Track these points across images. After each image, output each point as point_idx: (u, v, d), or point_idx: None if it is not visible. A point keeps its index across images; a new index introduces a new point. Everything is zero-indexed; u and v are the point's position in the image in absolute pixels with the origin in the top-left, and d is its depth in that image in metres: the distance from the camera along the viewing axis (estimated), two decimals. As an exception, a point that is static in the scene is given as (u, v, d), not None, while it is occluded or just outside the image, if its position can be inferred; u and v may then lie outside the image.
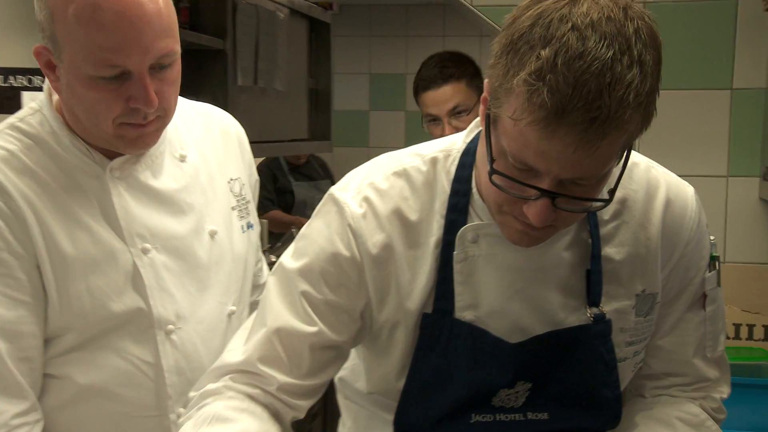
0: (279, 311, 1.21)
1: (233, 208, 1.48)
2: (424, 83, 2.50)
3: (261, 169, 4.64)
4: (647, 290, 1.23)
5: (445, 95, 2.46)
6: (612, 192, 1.07)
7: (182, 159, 1.42)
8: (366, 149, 4.79)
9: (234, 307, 1.45)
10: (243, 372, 1.21)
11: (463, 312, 1.19)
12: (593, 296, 1.20)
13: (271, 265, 1.44)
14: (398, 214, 1.20)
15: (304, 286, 1.21)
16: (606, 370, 1.23)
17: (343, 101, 4.49)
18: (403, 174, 1.22)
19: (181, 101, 1.42)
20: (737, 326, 2.67)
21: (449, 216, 1.19)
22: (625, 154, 1.07)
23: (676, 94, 2.68)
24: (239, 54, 2.75)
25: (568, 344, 1.21)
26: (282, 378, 1.20)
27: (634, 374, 1.31)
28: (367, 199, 1.21)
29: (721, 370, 1.34)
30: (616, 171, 1.08)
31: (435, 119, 2.48)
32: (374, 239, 1.19)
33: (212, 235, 1.41)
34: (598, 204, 1.08)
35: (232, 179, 1.49)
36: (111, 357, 1.32)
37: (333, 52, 3.60)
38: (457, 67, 2.48)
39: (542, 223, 1.05)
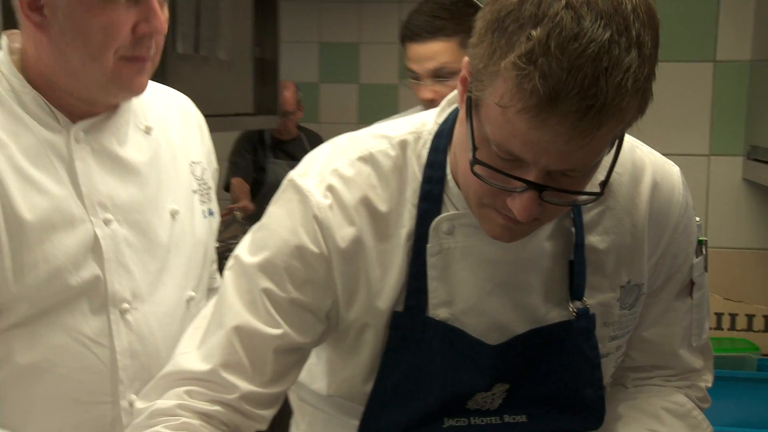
0: (238, 311, 1.13)
1: (194, 192, 1.44)
2: (409, 32, 2.13)
3: (241, 139, 4.37)
4: (633, 281, 1.19)
5: (429, 52, 2.08)
6: (603, 184, 1.01)
7: (147, 131, 1.38)
8: (315, 125, 4.57)
9: (193, 293, 1.40)
10: (201, 381, 1.12)
11: (438, 310, 1.13)
12: (576, 289, 1.15)
13: (222, 259, 1.35)
14: (366, 205, 1.12)
15: (266, 284, 1.13)
16: (589, 368, 1.19)
17: (291, 73, 4.28)
18: (370, 159, 1.14)
19: None
20: (719, 315, 2.60)
21: (422, 205, 1.12)
22: (617, 142, 1.01)
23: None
24: (179, 19, 2.59)
25: (549, 342, 1.16)
26: (245, 386, 1.12)
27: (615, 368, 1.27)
28: (331, 188, 1.13)
29: (705, 358, 1.31)
30: (608, 160, 1.02)
31: (415, 76, 2.14)
32: (342, 232, 1.11)
33: (174, 214, 1.37)
34: (588, 197, 1.03)
35: (193, 162, 1.45)
36: (58, 335, 1.25)
37: (280, 18, 3.43)
38: (452, 19, 2.08)
39: (527, 217, 0.99)
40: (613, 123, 0.92)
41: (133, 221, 1.32)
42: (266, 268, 1.13)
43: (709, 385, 1.32)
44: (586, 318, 1.16)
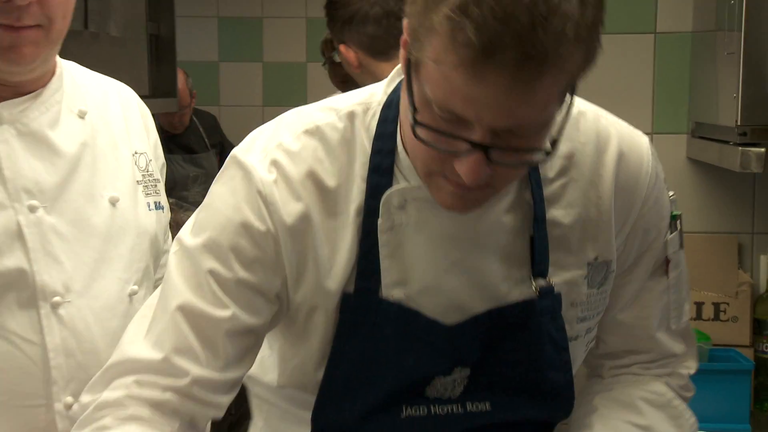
0: (184, 294, 1.10)
1: (138, 183, 1.39)
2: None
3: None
4: (600, 258, 1.15)
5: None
6: (555, 142, 0.98)
7: (81, 115, 1.33)
8: (215, 108, 4.29)
9: (136, 287, 1.34)
10: (151, 369, 1.09)
11: (391, 290, 1.10)
12: (538, 265, 1.12)
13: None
14: (313, 179, 1.10)
15: (211, 264, 1.10)
16: (555, 351, 1.15)
17: (188, 51, 3.98)
18: (316, 132, 1.12)
19: (78, 67, 1.40)
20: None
21: (371, 179, 1.10)
22: (568, 99, 0.98)
23: (593, 39, 2.48)
24: (64, -11, 2.36)
25: (512, 323, 1.12)
26: (197, 371, 1.09)
27: (587, 353, 1.24)
28: (276, 163, 1.11)
29: (686, 343, 1.27)
30: (560, 119, 0.99)
31: None
32: (288, 208, 1.09)
33: (113, 202, 1.32)
34: (539, 156, 0.99)
35: (137, 152, 1.40)
36: None
37: (176, -10, 3.16)
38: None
39: (476, 181, 0.96)
40: (555, 73, 0.90)
41: (63, 209, 1.26)
42: (211, 248, 1.10)
43: (692, 371, 1.28)
44: (550, 297, 1.13)
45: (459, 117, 0.93)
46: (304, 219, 1.09)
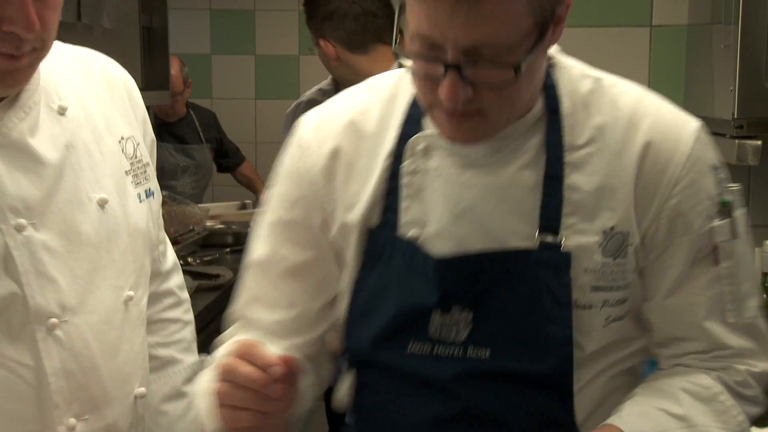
0: (256, 247, 1.27)
1: (127, 173, 1.32)
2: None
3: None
4: (618, 228, 1.16)
5: None
6: (520, 60, 1.04)
7: (62, 111, 1.24)
8: (207, 101, 4.27)
9: (132, 292, 1.30)
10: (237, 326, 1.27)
11: (407, 229, 1.18)
12: (545, 221, 1.14)
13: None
14: (353, 125, 1.22)
15: (271, 216, 1.27)
16: (556, 306, 1.16)
17: (180, 43, 3.95)
18: (368, 88, 1.27)
19: (57, 47, 1.26)
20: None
21: (404, 127, 1.20)
22: (549, 27, 1.06)
23: (589, 32, 2.54)
24: (57, -18, 2.31)
25: (508, 269, 1.16)
26: (268, 316, 1.25)
27: (613, 333, 1.20)
28: (321, 112, 1.27)
29: (751, 339, 1.22)
30: (531, 42, 1.05)
31: None
32: (323, 149, 1.22)
33: (102, 204, 1.25)
34: (509, 75, 1.04)
35: (123, 138, 1.33)
36: None
37: (168, -19, 3.16)
38: None
39: (455, 101, 1.05)
40: None
41: (52, 222, 1.19)
42: (271, 201, 1.27)
43: (756, 369, 1.22)
44: (554, 252, 1.14)
45: (431, 41, 1.04)
46: (336, 158, 1.21)
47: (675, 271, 1.19)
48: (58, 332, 1.18)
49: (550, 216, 1.15)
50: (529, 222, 1.16)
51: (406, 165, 1.18)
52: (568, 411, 1.18)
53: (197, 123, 4.03)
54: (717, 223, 1.18)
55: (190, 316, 1.52)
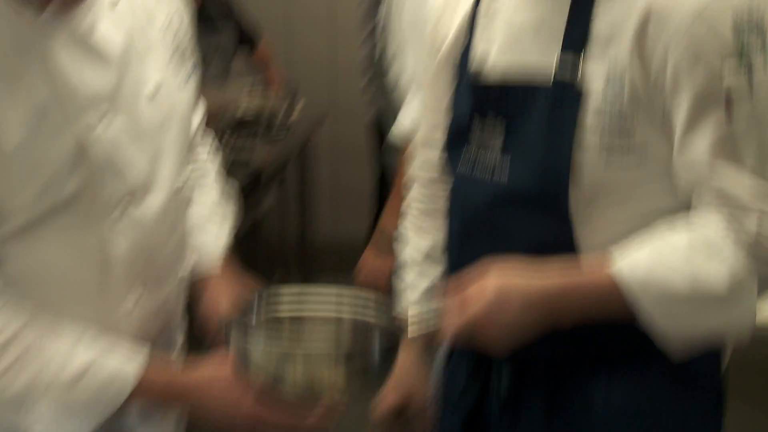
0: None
1: (171, 57, 1.34)
2: None
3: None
4: (618, 68, 1.17)
5: None
6: None
7: (114, 3, 1.24)
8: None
9: (181, 184, 1.33)
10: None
11: (475, 63, 1.30)
12: (569, 40, 1.19)
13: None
14: None
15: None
16: (565, 135, 1.19)
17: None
18: None
19: None
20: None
21: None
22: None
23: None
24: None
25: (530, 96, 1.23)
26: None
27: (617, 171, 1.18)
28: None
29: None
30: None
31: None
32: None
33: (156, 93, 1.27)
34: None
35: (167, 14, 1.35)
36: (50, 246, 1.17)
37: None
38: None
39: None
40: None
41: (120, 115, 1.21)
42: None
43: None
44: (569, 86, 1.18)
45: None
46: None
47: (683, 116, 1.15)
48: (126, 219, 1.22)
49: (575, 35, 1.19)
50: (555, 37, 1.20)
51: (483, 2, 1.32)
52: (566, 234, 1.20)
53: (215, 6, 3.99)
54: (728, 73, 1.12)
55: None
